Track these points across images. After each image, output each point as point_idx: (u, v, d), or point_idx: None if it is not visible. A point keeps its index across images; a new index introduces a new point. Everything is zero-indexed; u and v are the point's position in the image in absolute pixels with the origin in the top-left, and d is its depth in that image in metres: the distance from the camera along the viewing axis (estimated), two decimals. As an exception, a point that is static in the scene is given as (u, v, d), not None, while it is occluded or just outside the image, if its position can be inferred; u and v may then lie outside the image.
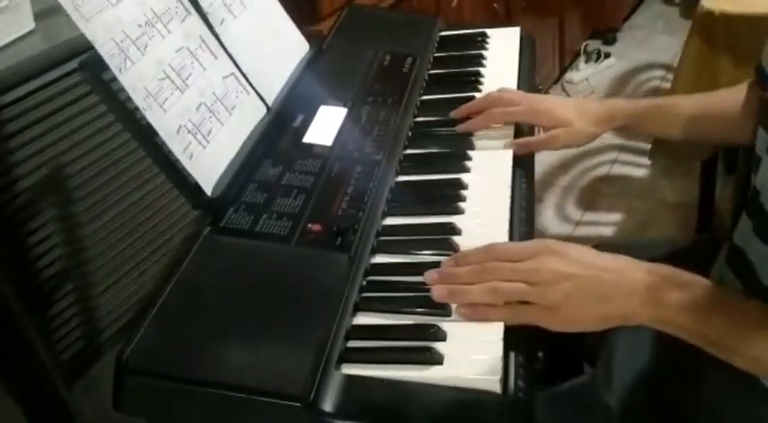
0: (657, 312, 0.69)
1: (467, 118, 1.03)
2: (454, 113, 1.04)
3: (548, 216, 2.32)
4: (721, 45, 1.59)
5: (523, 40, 1.26)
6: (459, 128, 1.02)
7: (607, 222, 2.27)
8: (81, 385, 1.15)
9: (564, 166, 2.53)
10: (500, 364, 0.66)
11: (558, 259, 0.70)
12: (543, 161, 2.46)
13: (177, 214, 1.26)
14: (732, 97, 0.99)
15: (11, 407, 1.09)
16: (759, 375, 0.72)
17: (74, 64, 1.03)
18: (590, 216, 2.31)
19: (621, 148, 2.57)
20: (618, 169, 2.51)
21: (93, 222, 1.12)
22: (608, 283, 0.70)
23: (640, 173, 2.47)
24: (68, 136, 1.06)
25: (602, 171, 2.51)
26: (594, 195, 2.41)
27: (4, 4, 1.00)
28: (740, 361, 0.69)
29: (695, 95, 1.12)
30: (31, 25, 1.07)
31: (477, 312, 0.72)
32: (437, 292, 0.72)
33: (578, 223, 2.30)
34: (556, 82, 2.96)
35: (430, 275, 0.74)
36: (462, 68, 1.19)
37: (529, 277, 0.70)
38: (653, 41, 3.31)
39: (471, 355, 0.68)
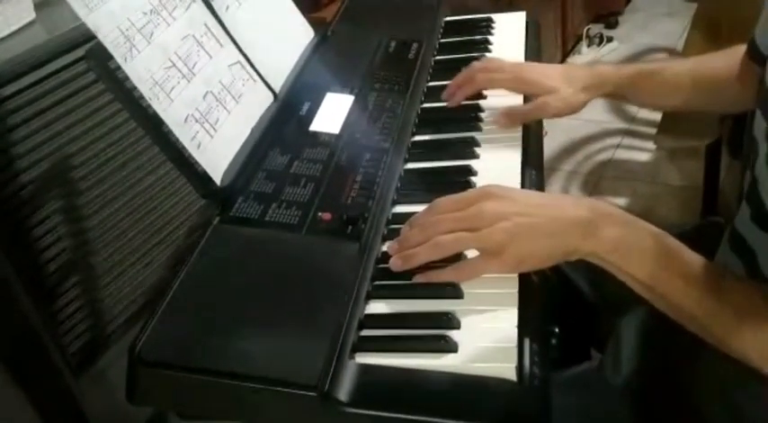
0: (594, 247, 0.69)
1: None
2: (445, 95, 1.04)
3: (552, 201, 2.32)
4: (726, 28, 1.58)
5: (529, 25, 1.25)
6: (449, 103, 1.02)
7: (612, 207, 2.26)
8: (89, 376, 1.16)
9: (568, 151, 2.52)
10: (515, 352, 0.66)
11: (499, 201, 0.71)
12: (548, 146, 2.45)
13: (182, 205, 1.26)
14: (724, 62, 0.97)
15: (20, 398, 1.09)
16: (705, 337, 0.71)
17: (75, 54, 1.02)
18: (594, 201, 2.30)
19: (626, 133, 2.56)
20: (622, 153, 2.50)
21: (99, 213, 1.12)
22: (549, 218, 0.70)
23: (645, 157, 2.46)
24: (71, 127, 1.06)
25: (606, 155, 2.50)
26: (599, 180, 2.40)
27: (4, -5, 0.99)
28: (686, 321, 0.70)
29: (687, 60, 1.10)
30: (31, 16, 1.06)
31: (428, 277, 0.72)
32: (392, 264, 0.73)
33: (583, 208, 2.28)
34: (558, 67, 2.95)
35: (391, 246, 0.75)
36: (468, 54, 1.17)
37: (471, 223, 0.70)
38: (655, 25, 3.29)
39: (486, 342, 0.67)
